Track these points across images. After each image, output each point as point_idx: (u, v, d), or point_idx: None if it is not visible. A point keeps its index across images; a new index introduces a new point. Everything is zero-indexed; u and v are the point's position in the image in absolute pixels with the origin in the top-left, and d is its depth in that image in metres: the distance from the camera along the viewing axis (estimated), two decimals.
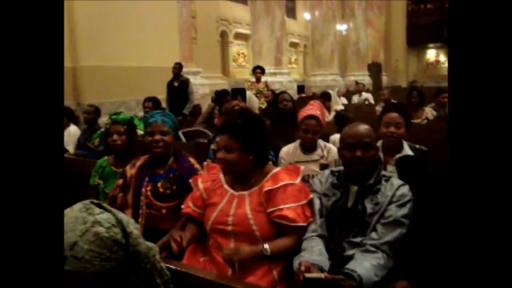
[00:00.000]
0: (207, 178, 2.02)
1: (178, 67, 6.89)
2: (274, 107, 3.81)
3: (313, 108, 2.82)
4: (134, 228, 1.00)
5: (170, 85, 6.93)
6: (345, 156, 1.88)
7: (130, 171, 2.30)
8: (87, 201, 0.99)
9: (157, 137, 2.22)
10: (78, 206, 0.97)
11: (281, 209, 1.79)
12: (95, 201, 1.01)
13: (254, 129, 1.91)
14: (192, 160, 2.33)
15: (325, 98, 6.11)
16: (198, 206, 1.97)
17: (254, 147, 1.88)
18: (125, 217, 1.00)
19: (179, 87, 6.87)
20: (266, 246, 1.75)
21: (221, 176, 1.99)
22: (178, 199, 2.19)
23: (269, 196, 1.84)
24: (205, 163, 2.20)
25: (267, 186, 1.85)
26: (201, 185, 1.99)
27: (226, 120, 1.97)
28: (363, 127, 1.91)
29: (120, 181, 2.29)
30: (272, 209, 1.81)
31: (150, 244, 1.05)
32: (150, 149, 2.26)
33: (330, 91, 6.61)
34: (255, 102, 5.93)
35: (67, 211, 0.96)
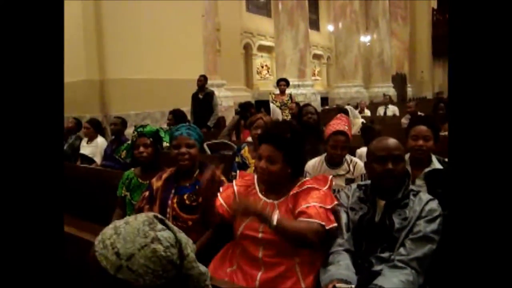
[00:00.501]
0: (242, 183, 2.03)
1: (203, 80, 6.97)
2: (299, 119, 3.81)
3: (341, 123, 2.79)
4: (191, 250, 1.02)
5: (195, 97, 7.01)
6: (375, 169, 1.86)
7: (157, 183, 2.32)
8: (151, 215, 1.01)
9: (183, 149, 2.24)
10: (142, 217, 0.99)
11: (302, 208, 1.79)
12: (159, 216, 1.02)
13: (299, 144, 1.94)
14: (218, 172, 2.34)
15: (344, 113, 6.04)
16: (229, 206, 1.94)
17: (295, 161, 1.90)
18: (185, 238, 1.02)
19: (203, 99, 6.95)
20: (275, 216, 1.70)
21: (256, 183, 2.00)
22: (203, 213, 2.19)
23: (295, 201, 1.85)
24: (237, 171, 2.22)
25: (294, 191, 1.88)
26: (235, 188, 2.00)
27: (274, 130, 1.97)
28: (392, 140, 1.89)
29: (147, 193, 2.32)
30: (297, 211, 1.81)
31: (204, 268, 1.05)
32: (176, 162, 2.28)
33: (347, 106, 6.56)
34: (278, 114, 5.93)
35: (130, 220, 0.98)
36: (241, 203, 1.74)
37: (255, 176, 2.02)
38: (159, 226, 0.98)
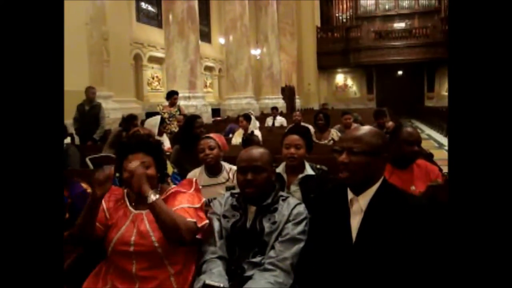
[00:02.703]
0: (111, 198, 1.98)
1: (95, 92, 6.78)
2: (187, 131, 3.81)
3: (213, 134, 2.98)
4: None
5: (80, 109, 6.69)
6: (238, 179, 1.95)
7: None
8: None
9: None
10: None
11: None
12: None
13: (161, 149, 2.01)
14: (84, 185, 2.25)
15: (246, 118, 6.30)
16: (101, 223, 1.90)
17: (160, 166, 1.95)
18: None
19: (90, 111, 6.68)
20: (153, 197, 1.74)
21: (125, 196, 1.97)
22: (72, 229, 2.09)
23: None
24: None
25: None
26: (104, 204, 1.94)
27: (139, 139, 2.00)
28: (257, 151, 1.98)
29: None
30: None
31: None
32: None
33: (252, 115, 6.78)
34: (152, 127, 5.88)
35: None
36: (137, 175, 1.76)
37: (125, 190, 1.99)
38: None
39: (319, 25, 24.55)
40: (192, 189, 1.95)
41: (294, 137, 2.58)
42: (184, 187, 1.96)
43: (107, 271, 1.88)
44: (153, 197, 1.74)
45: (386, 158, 1.64)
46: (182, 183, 2.02)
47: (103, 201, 1.94)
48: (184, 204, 1.84)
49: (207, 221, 1.86)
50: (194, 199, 1.89)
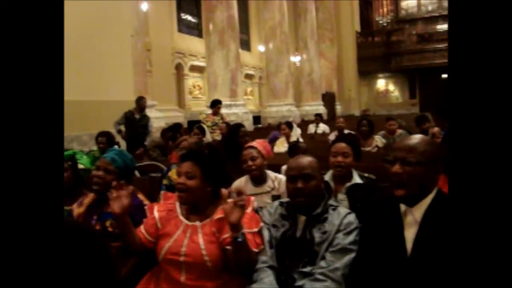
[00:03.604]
0: (163, 208, 2.01)
1: (146, 101, 7.03)
2: (232, 140, 3.84)
3: (254, 141, 2.94)
4: None
5: (130, 117, 6.86)
6: (288, 188, 1.94)
7: (78, 209, 2.24)
8: None
9: (99, 173, 2.19)
10: None
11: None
12: None
13: (218, 162, 1.98)
14: (141, 196, 2.30)
15: (288, 126, 6.36)
16: (150, 234, 1.95)
17: (214, 179, 1.93)
18: None
19: (140, 120, 6.86)
20: (241, 236, 1.71)
21: (177, 206, 1.99)
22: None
23: (220, 225, 1.86)
24: (162, 192, 2.19)
25: (218, 215, 1.88)
26: (156, 214, 1.98)
27: (192, 148, 2.01)
28: (305, 159, 1.97)
29: None
30: (224, 237, 1.83)
31: None
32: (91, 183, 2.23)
33: (294, 123, 6.82)
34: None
35: None
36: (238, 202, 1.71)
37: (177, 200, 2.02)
38: None
39: (358, 29, 24.22)
40: (250, 208, 1.93)
41: (342, 145, 2.56)
42: None
43: (159, 277, 1.92)
44: (238, 238, 1.71)
45: (440, 167, 1.59)
46: None
47: (155, 211, 1.98)
48: (245, 230, 1.80)
49: (262, 246, 1.86)
50: (251, 223, 1.88)
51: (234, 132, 3.84)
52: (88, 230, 1.08)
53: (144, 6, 9.73)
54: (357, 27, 24.14)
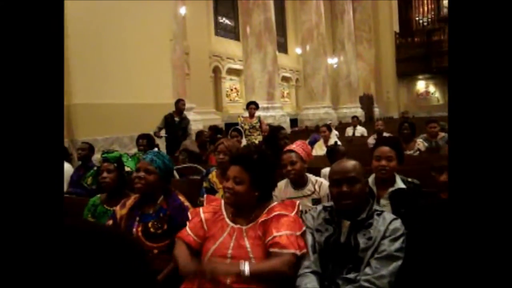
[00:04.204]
0: (209, 210, 2.02)
1: (185, 104, 7.08)
2: (272, 142, 3.82)
3: (293, 144, 2.91)
4: None
5: (169, 120, 6.94)
6: (333, 192, 1.91)
7: (120, 211, 2.27)
8: None
9: (140, 174, 2.21)
10: None
11: (275, 237, 1.80)
12: None
13: (267, 168, 1.95)
14: (182, 198, 2.31)
15: (328, 128, 6.41)
16: (199, 236, 1.95)
17: (262, 185, 1.92)
18: None
19: (180, 123, 6.94)
20: (246, 267, 1.70)
21: (223, 209, 2.00)
22: (169, 239, 2.15)
23: (265, 228, 1.85)
24: (204, 195, 2.21)
25: (263, 218, 1.88)
26: (203, 215, 1.99)
27: (242, 152, 2.00)
28: (349, 163, 1.94)
29: (110, 222, 2.27)
30: (268, 239, 1.82)
31: None
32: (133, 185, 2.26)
33: (328, 122, 6.77)
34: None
35: None
36: (208, 267, 1.72)
37: (222, 201, 2.02)
38: None
39: (397, 30, 23.73)
40: (294, 212, 1.92)
41: (385, 149, 2.49)
42: (287, 208, 1.94)
43: (202, 280, 1.91)
44: (246, 269, 1.70)
45: None
46: (286, 204, 2.00)
47: (201, 213, 1.99)
48: (288, 231, 1.81)
49: (305, 250, 1.84)
50: (295, 225, 1.87)
51: (274, 135, 3.82)
52: (126, 238, 1.08)
53: (182, 10, 9.89)
54: (396, 28, 23.66)
